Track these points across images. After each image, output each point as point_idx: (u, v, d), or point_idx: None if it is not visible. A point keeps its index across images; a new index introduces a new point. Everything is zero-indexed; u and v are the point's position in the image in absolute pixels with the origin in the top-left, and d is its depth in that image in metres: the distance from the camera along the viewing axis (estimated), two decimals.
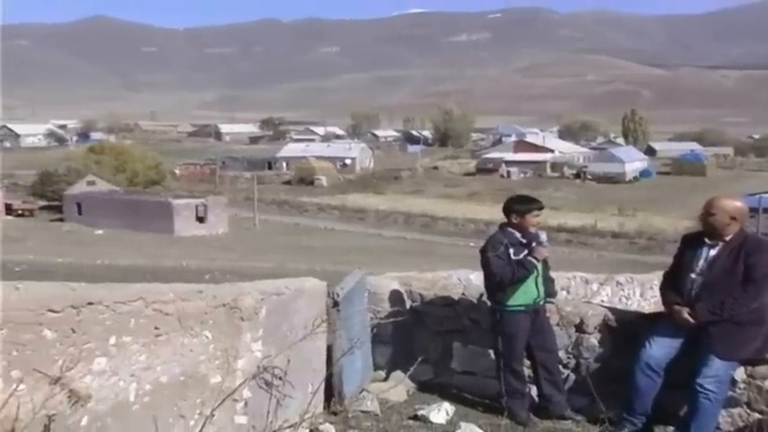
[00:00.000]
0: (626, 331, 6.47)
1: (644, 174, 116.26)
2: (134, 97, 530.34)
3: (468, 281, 8.42)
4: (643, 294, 9.31)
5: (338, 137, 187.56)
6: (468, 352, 7.33)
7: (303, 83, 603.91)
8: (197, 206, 71.76)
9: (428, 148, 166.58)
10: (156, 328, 4.39)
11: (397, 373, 7.40)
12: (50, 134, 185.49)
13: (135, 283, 4.53)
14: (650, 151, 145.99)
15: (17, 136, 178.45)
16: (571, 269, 9.86)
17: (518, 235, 6.56)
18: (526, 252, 6.47)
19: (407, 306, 7.67)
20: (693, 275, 5.78)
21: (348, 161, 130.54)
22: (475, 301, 7.28)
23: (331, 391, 6.21)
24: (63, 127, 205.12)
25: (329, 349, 6.24)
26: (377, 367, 7.52)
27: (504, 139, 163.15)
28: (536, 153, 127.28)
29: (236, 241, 64.87)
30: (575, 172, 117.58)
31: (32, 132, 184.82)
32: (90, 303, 3.94)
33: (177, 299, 4.55)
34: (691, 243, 5.99)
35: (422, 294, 7.68)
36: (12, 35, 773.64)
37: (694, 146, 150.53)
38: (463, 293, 7.60)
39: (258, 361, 5.13)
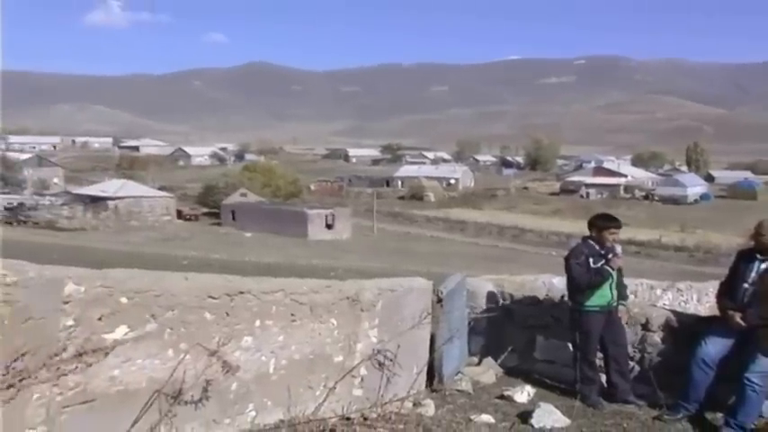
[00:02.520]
0: (685, 331, 6.41)
1: (703, 197, 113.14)
2: (280, 126, 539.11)
3: (552, 284, 8.34)
4: (700, 300, 9.04)
5: (445, 161, 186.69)
6: (550, 344, 7.26)
7: (417, 116, 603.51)
8: (326, 215, 72.72)
9: (520, 172, 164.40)
10: (292, 315, 4.49)
11: (488, 360, 7.38)
12: (214, 155, 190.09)
13: (276, 277, 4.63)
14: (709, 178, 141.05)
15: (189, 156, 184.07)
16: (638, 277, 9.69)
17: (597, 246, 6.52)
18: (603, 261, 6.43)
19: (499, 304, 7.65)
20: (746, 285, 5.75)
21: (453, 181, 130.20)
22: (557, 301, 7.22)
23: (432, 372, 6.24)
24: (224, 149, 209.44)
25: (432, 338, 6.26)
26: (471, 354, 7.51)
27: (584, 165, 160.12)
28: (611, 177, 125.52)
29: (358, 245, 65.31)
30: (644, 194, 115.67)
31: (200, 153, 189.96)
32: (241, 292, 4.08)
33: (310, 291, 4.64)
34: (745, 257, 5.94)
35: (512, 294, 7.65)
36: (189, 78, 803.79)
37: (748, 174, 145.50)
38: (547, 294, 7.55)
39: (373, 345, 5.19)
